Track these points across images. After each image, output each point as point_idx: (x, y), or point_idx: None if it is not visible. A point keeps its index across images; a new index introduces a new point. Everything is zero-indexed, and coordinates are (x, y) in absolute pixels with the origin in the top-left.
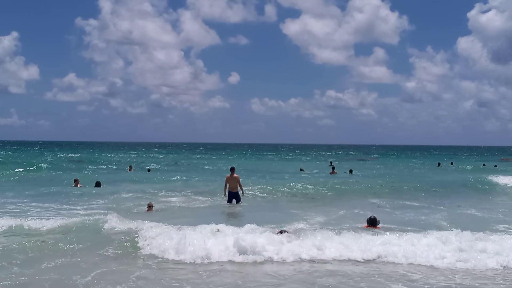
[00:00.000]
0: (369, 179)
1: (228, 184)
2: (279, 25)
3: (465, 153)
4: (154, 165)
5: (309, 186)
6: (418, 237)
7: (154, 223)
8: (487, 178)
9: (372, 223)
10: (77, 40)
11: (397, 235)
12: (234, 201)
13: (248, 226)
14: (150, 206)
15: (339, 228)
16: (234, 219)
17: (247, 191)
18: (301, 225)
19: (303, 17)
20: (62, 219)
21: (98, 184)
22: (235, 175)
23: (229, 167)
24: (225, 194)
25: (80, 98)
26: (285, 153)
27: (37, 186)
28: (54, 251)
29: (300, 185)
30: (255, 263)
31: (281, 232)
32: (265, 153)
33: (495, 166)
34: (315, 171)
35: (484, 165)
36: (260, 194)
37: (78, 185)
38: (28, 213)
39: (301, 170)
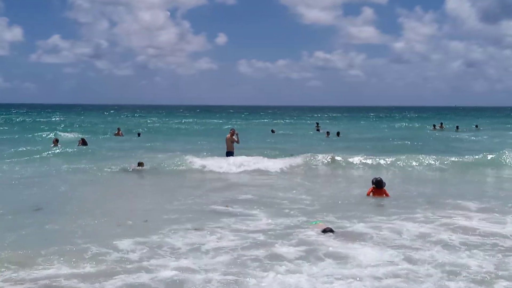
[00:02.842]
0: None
1: (227, 144)
2: None
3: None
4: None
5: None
6: None
7: None
8: None
9: (378, 185)
10: (61, 0)
11: None
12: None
13: None
14: (140, 164)
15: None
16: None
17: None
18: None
19: None
20: None
21: (84, 142)
22: (234, 136)
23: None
24: (226, 153)
25: (65, 60)
26: (265, 116)
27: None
28: None
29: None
30: None
31: (325, 230)
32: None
33: (476, 126)
34: (290, 133)
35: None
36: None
37: (58, 145)
38: None
39: (272, 131)
